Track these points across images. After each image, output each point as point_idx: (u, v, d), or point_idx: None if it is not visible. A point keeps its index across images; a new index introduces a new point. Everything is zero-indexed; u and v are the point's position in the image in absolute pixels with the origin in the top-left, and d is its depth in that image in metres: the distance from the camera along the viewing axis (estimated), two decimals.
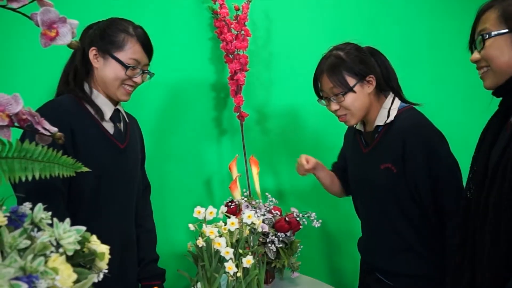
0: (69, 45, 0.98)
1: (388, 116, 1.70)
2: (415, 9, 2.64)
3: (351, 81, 1.68)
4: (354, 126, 1.84)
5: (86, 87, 1.61)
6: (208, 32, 2.30)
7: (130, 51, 1.59)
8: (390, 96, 1.76)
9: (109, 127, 1.62)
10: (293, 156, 2.33)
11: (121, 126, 1.69)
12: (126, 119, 1.73)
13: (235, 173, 2.08)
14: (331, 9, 2.52)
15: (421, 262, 1.68)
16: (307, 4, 2.50)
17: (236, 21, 2.17)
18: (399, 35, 2.58)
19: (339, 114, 1.75)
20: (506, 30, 1.22)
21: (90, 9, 1.96)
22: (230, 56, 2.18)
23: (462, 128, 2.26)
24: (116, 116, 1.66)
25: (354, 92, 1.69)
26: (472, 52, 1.36)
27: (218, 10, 2.18)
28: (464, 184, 1.43)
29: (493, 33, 1.24)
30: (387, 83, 1.75)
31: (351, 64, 1.69)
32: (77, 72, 1.61)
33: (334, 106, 1.73)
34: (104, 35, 1.58)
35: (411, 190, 1.65)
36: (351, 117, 1.73)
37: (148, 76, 1.67)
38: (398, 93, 1.77)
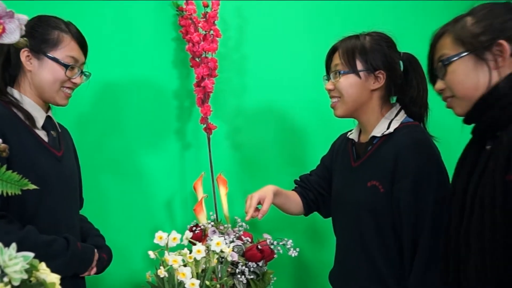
0: (17, 44, 0.99)
1: (388, 128, 1.74)
2: (400, 11, 2.72)
3: (359, 65, 1.74)
4: (348, 135, 1.89)
5: (15, 92, 1.63)
6: (172, 31, 2.33)
7: (67, 49, 1.64)
8: (396, 107, 1.80)
9: (42, 135, 1.65)
10: (267, 174, 2.36)
11: (55, 134, 1.72)
12: (58, 128, 1.76)
13: (200, 194, 2.09)
14: (312, 6, 2.57)
15: None
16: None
17: (204, 19, 2.19)
18: None
19: (332, 95, 1.81)
20: (466, 53, 1.32)
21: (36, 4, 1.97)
22: (196, 59, 2.20)
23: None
24: (48, 124, 1.70)
25: (356, 77, 1.74)
26: (433, 83, 1.47)
27: (184, 7, 2.20)
28: None
29: (452, 57, 1.34)
30: (401, 93, 1.80)
31: (369, 52, 1.75)
32: (2, 77, 1.63)
33: (329, 85, 1.80)
34: (34, 34, 1.61)
35: (394, 216, 1.68)
36: (341, 105, 1.78)
37: (85, 77, 1.72)
38: (409, 109, 1.80)
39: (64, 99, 1.69)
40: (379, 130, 1.76)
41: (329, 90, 1.81)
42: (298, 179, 2.11)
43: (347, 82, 1.75)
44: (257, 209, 1.88)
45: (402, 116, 1.78)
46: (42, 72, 1.62)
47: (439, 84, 1.42)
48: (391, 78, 1.77)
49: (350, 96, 1.76)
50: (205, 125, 2.24)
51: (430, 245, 1.60)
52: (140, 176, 2.27)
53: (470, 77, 1.33)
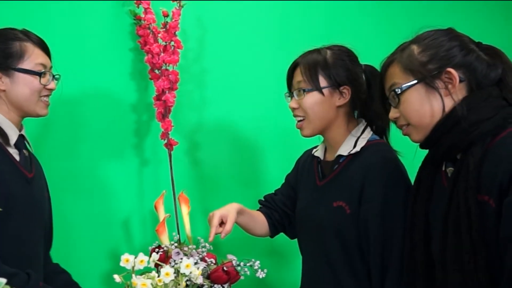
0: None
1: (354, 146, 1.77)
2: (370, 22, 2.79)
3: (322, 81, 1.76)
4: (313, 152, 1.91)
5: None
6: (129, 41, 2.32)
7: (33, 57, 1.64)
8: (362, 124, 1.83)
9: (14, 153, 1.62)
10: (229, 192, 2.36)
11: (27, 153, 1.69)
12: (31, 147, 1.74)
13: (162, 213, 2.07)
14: (277, 17, 2.61)
15: None
16: (248, 9, 2.56)
17: (164, 29, 2.19)
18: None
19: (296, 114, 1.81)
20: (416, 81, 1.42)
21: None
22: (156, 71, 2.19)
23: None
24: (21, 143, 1.67)
25: (321, 94, 1.76)
26: (385, 110, 1.55)
27: (142, 16, 2.19)
28: None
29: (404, 86, 1.43)
30: (365, 108, 1.83)
31: (332, 67, 1.77)
32: None
33: (293, 103, 1.81)
34: None
35: (360, 238, 1.71)
36: (307, 124, 1.80)
37: (56, 81, 1.73)
38: (374, 123, 1.84)
39: (44, 108, 1.69)
40: (346, 148, 1.78)
41: (293, 109, 1.82)
42: (263, 199, 2.12)
43: (312, 100, 1.77)
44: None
45: (368, 134, 1.80)
46: (17, 87, 1.61)
47: (393, 113, 1.50)
48: (356, 93, 1.80)
49: (316, 115, 1.78)
50: (165, 141, 2.23)
51: (400, 268, 1.62)
52: (95, 194, 2.24)
53: (424, 105, 1.41)
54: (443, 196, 1.41)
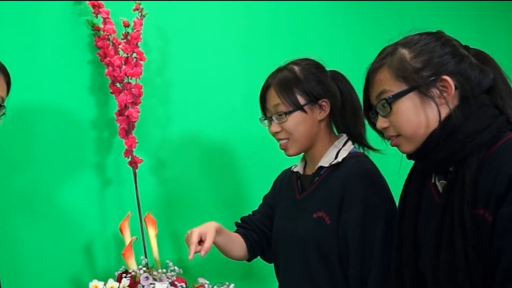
0: None
1: (336, 157, 1.78)
2: (343, 31, 2.83)
3: (301, 100, 1.77)
4: (292, 168, 1.92)
5: None
6: (87, 53, 2.26)
7: None
8: (344, 136, 1.85)
9: None
10: (197, 213, 2.33)
11: None
12: None
13: (128, 236, 2.02)
14: (242, 26, 2.61)
15: None
16: (213, 18, 2.55)
17: (125, 40, 2.16)
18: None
19: (279, 137, 1.82)
20: (410, 89, 1.37)
21: None
22: (118, 85, 2.15)
23: None
24: None
25: (303, 112, 1.76)
26: (369, 119, 1.52)
27: (101, 26, 2.15)
28: None
29: (397, 95, 1.38)
30: (341, 116, 1.85)
31: (305, 82, 1.78)
32: None
33: (275, 128, 1.81)
34: None
35: (340, 249, 1.71)
36: (292, 144, 1.81)
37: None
38: (355, 136, 1.86)
39: None
40: (327, 159, 1.81)
41: (276, 133, 1.82)
42: (239, 221, 2.11)
43: (295, 121, 1.78)
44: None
45: (350, 146, 1.84)
46: None
47: (382, 123, 1.45)
48: (333, 103, 1.83)
49: (301, 134, 1.80)
50: (129, 159, 2.18)
51: (380, 280, 1.63)
52: (53, 218, 2.16)
53: (419, 115, 1.37)
54: (433, 211, 1.40)
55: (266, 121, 1.87)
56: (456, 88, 1.36)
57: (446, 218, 1.34)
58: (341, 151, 1.80)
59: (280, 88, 1.79)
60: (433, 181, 1.46)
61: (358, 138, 1.87)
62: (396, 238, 1.54)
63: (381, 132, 1.50)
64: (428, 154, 1.39)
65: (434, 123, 1.36)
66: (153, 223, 2.08)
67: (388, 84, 1.40)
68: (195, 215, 2.36)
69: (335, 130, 1.92)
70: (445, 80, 1.35)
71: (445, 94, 1.36)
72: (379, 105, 1.43)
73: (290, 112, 1.77)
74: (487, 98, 1.37)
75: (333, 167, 1.79)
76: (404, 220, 1.51)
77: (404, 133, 1.40)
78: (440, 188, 1.42)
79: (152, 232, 2.07)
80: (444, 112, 1.36)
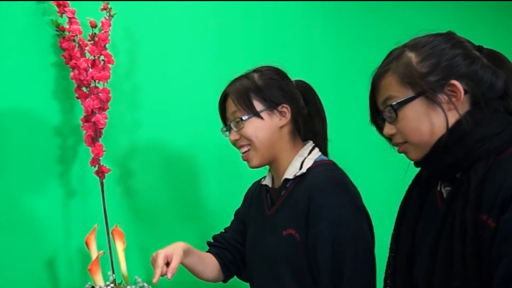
0: None
1: (300, 168, 1.77)
2: (318, 32, 2.82)
3: (258, 105, 1.77)
4: (262, 181, 1.91)
5: None
6: (51, 55, 2.21)
7: None
8: (310, 144, 1.84)
9: None
10: (169, 224, 2.30)
11: None
12: None
13: (94, 250, 1.98)
14: (214, 29, 2.60)
15: None
16: (185, 19, 2.54)
17: (92, 42, 2.11)
18: (302, 65, 2.66)
19: (240, 145, 1.82)
20: (416, 95, 1.35)
21: None
22: (84, 89, 2.10)
23: None
24: None
25: (260, 118, 1.77)
26: (376, 125, 1.50)
27: (66, 26, 2.11)
28: None
29: (403, 102, 1.36)
30: (308, 124, 1.85)
31: (262, 87, 1.79)
32: None
33: (234, 136, 1.81)
34: None
35: (312, 266, 1.69)
36: (254, 152, 1.80)
37: None
38: (319, 143, 1.86)
39: None
40: (292, 171, 1.79)
41: (235, 141, 1.82)
42: (211, 240, 2.08)
43: (253, 127, 1.78)
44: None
45: (316, 154, 1.82)
46: None
47: (389, 129, 1.43)
48: (295, 109, 1.83)
49: (261, 141, 1.79)
50: (96, 168, 2.13)
51: None
52: (14, 230, 2.11)
53: (425, 121, 1.35)
54: (434, 217, 1.38)
55: (227, 132, 1.87)
56: (466, 92, 1.33)
57: (447, 222, 1.32)
58: (306, 160, 1.79)
59: (236, 95, 1.80)
60: (438, 189, 1.44)
61: (324, 146, 1.89)
62: (392, 245, 1.52)
63: (389, 139, 1.47)
64: (435, 160, 1.37)
65: (441, 130, 1.34)
66: (121, 237, 2.05)
67: (394, 90, 1.38)
68: (166, 228, 2.35)
69: (301, 138, 1.91)
70: (454, 85, 1.33)
71: (454, 99, 1.33)
72: (385, 112, 1.41)
73: (247, 118, 1.77)
74: (500, 103, 1.35)
75: (298, 178, 1.77)
76: (402, 227, 1.49)
77: (411, 140, 1.38)
78: (445, 195, 1.40)
79: (120, 246, 2.04)
80: (454, 117, 1.33)
